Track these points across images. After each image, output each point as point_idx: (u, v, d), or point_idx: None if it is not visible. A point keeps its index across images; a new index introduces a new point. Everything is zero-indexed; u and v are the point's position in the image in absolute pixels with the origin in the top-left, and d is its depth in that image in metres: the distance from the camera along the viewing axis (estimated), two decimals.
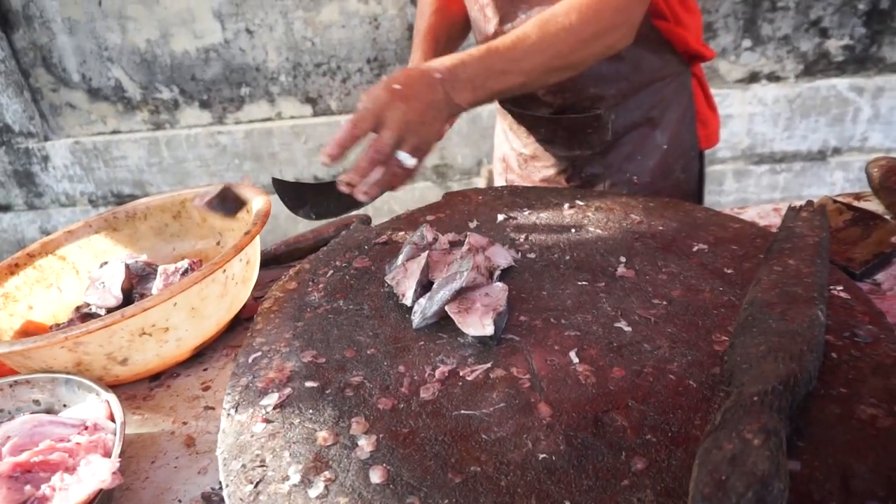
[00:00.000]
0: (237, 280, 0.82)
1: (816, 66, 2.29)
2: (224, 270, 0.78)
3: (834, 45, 2.25)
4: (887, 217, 0.86)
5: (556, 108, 1.07)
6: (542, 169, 1.16)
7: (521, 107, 1.12)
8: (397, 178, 0.76)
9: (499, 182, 1.30)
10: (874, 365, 0.56)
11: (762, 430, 0.45)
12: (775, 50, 2.29)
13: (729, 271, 0.74)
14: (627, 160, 1.09)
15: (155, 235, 1.03)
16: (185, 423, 0.73)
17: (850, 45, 2.25)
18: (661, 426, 0.54)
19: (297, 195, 0.84)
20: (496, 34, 1.02)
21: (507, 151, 1.24)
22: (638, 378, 0.60)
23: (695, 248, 0.78)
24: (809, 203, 0.81)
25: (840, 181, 2.43)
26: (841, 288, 0.67)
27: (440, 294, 0.69)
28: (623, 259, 0.78)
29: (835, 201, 0.91)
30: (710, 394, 0.57)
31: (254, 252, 0.87)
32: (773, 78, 2.34)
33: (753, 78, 2.36)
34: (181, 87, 2.62)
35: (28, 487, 0.55)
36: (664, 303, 0.69)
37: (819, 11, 2.21)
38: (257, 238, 0.84)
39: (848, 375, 0.55)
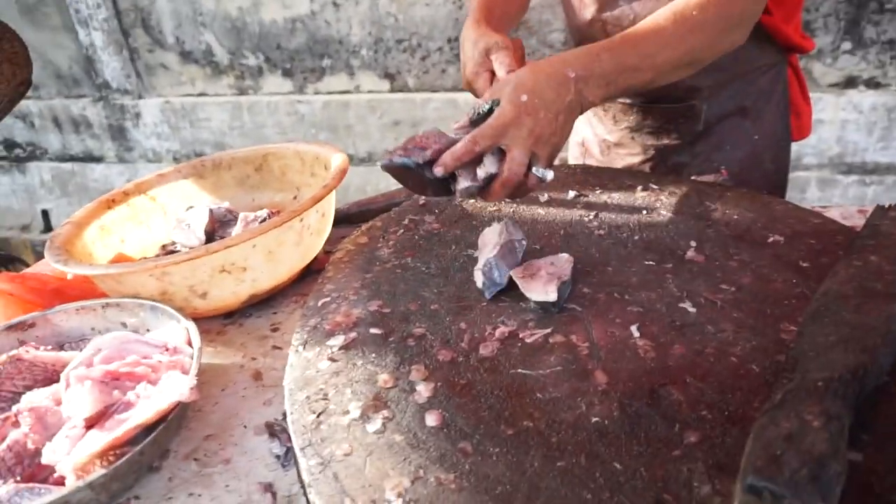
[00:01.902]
0: (312, 231, 0.86)
1: None
2: (301, 219, 0.81)
3: None
4: None
5: (649, 97, 1.06)
6: (627, 157, 1.14)
7: None
8: (532, 189, 0.73)
9: None
10: None
11: (823, 413, 0.44)
12: (878, 55, 2.16)
13: (805, 265, 0.72)
14: (716, 150, 1.07)
15: (237, 185, 1.08)
16: (253, 359, 0.78)
17: None
18: (718, 404, 0.54)
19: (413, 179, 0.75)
20: (593, 21, 1.02)
21: (588, 137, 1.23)
22: (698, 357, 0.59)
23: (770, 239, 0.77)
24: None
25: None
26: None
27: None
28: (693, 243, 0.77)
29: None
30: (773, 379, 0.56)
31: (329, 206, 0.91)
32: (873, 84, 2.21)
33: (850, 83, 2.23)
34: (266, 55, 2.71)
35: (116, 392, 0.61)
36: (732, 289, 0.68)
37: None
38: (333, 193, 0.88)
39: None
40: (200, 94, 2.87)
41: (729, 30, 0.80)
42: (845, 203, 2.37)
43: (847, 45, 2.18)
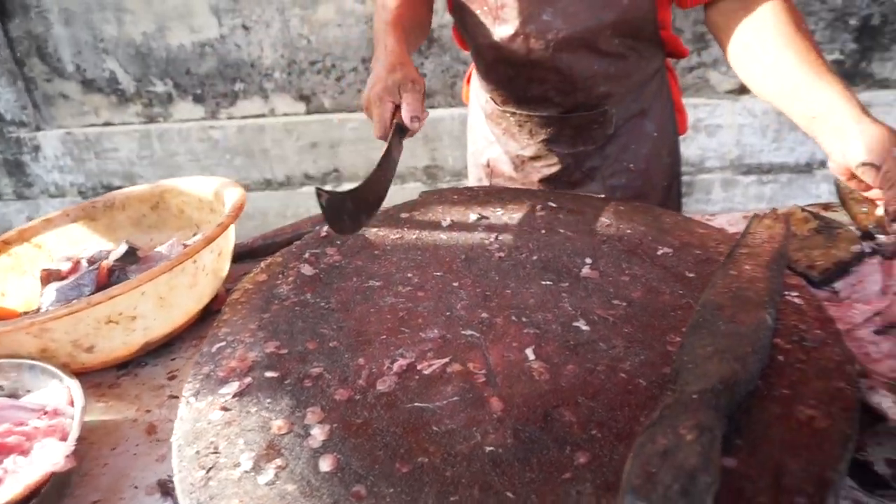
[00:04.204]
0: (207, 271, 0.83)
1: None
2: (194, 261, 0.78)
3: None
4: (851, 227, 0.88)
5: (566, 107, 1.10)
6: (543, 168, 1.18)
7: (528, 109, 1.13)
8: None
9: None
10: (818, 368, 0.57)
11: (696, 427, 0.46)
12: None
13: (690, 275, 0.75)
14: (623, 150, 1.14)
15: (132, 226, 1.03)
16: (148, 412, 0.74)
17: (840, 60, 2.27)
18: (608, 422, 0.55)
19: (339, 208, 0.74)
20: (515, 35, 1.01)
21: (495, 156, 1.23)
22: (590, 376, 0.61)
23: (659, 252, 0.80)
24: (773, 211, 0.82)
25: (825, 193, 2.44)
26: (796, 294, 0.68)
27: None
28: (588, 260, 0.79)
29: (803, 210, 0.93)
30: (659, 392, 0.58)
31: (226, 244, 0.88)
32: None
33: (744, 89, 2.37)
34: (175, 80, 2.63)
35: None
36: (624, 304, 0.71)
37: (811, 25, 2.23)
38: (230, 229, 0.85)
39: (792, 378, 0.56)
40: (106, 124, 2.75)
41: None
42: (746, 201, 2.52)
43: None
